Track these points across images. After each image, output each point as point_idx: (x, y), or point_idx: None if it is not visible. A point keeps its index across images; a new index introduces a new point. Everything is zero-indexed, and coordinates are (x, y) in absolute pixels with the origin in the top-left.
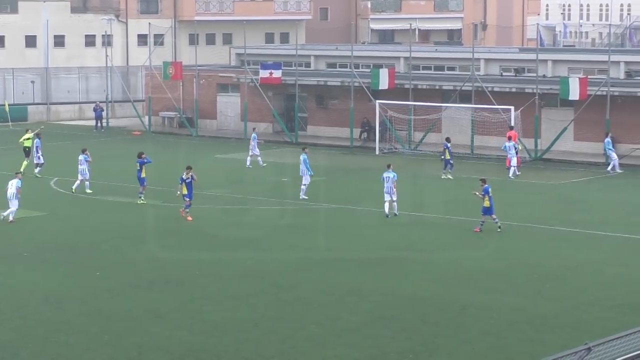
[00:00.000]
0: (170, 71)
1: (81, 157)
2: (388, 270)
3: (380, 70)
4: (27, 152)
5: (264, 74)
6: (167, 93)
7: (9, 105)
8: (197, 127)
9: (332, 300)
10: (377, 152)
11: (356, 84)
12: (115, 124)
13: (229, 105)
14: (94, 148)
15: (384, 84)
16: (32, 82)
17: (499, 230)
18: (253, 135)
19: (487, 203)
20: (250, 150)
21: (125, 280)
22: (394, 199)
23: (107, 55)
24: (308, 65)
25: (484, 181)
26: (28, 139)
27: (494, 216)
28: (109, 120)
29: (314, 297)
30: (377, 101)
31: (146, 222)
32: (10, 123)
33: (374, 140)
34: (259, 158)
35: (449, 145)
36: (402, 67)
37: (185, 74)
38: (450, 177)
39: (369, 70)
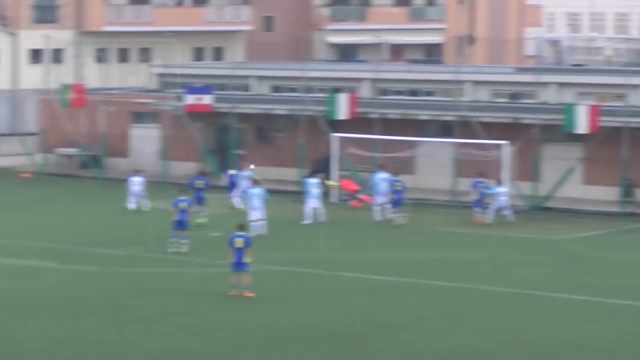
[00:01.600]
0: (71, 96)
1: None
2: (344, 349)
3: (339, 95)
4: None
5: (190, 99)
6: (66, 124)
7: None
8: (104, 167)
9: None
10: (334, 200)
11: (308, 113)
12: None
13: (145, 140)
14: None
15: (343, 112)
16: None
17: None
18: (139, 179)
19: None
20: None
21: None
22: (262, 216)
23: None
24: (247, 88)
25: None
26: None
27: None
28: None
29: None
30: (335, 134)
31: (37, 289)
32: None
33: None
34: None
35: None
36: (366, 91)
37: (90, 100)
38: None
39: (324, 95)
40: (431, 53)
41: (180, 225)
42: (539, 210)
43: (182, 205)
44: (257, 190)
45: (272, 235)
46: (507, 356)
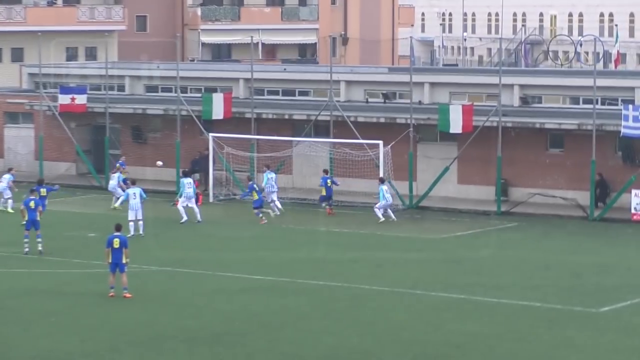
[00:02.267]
0: None
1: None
2: (226, 349)
3: (214, 95)
4: None
5: (64, 99)
6: None
7: None
8: None
9: None
10: (211, 200)
11: (184, 113)
12: None
13: (19, 140)
14: None
15: (218, 112)
16: None
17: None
18: (8, 176)
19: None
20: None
21: None
22: (140, 217)
23: None
24: (122, 88)
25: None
26: None
27: None
28: None
29: None
30: (211, 134)
31: None
32: None
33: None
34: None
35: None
36: (241, 91)
37: None
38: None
39: (199, 95)
40: (305, 53)
41: (33, 225)
42: (415, 209)
43: (32, 204)
44: (135, 190)
45: (150, 235)
46: (386, 355)
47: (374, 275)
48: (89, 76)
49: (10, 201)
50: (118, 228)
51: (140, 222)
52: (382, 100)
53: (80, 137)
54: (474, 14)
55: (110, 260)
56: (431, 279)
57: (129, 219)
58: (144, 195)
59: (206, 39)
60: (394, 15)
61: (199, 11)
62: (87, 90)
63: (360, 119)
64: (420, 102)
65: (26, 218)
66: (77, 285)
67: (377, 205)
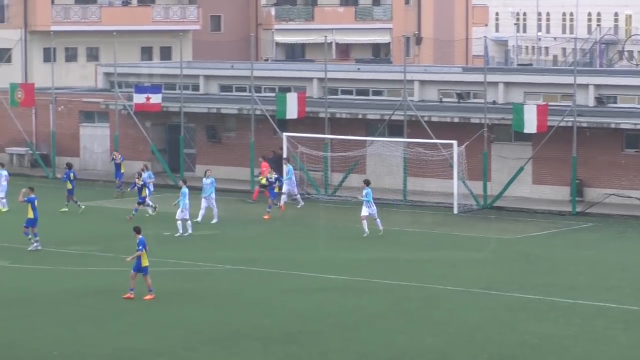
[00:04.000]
0: (19, 96)
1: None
2: (300, 348)
3: (288, 95)
4: None
5: (139, 98)
6: (15, 123)
7: None
8: (55, 166)
9: None
10: (284, 199)
11: (257, 112)
12: None
13: (95, 139)
14: None
15: (292, 112)
16: None
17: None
18: (148, 173)
19: None
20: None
21: None
22: (187, 216)
23: None
24: (196, 88)
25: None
26: None
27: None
28: None
29: None
30: (285, 134)
31: None
32: None
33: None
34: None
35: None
36: (315, 90)
37: (38, 99)
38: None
39: (273, 94)
40: (379, 53)
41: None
42: (489, 209)
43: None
44: (186, 190)
45: (224, 234)
46: (460, 355)
47: (448, 275)
48: (163, 75)
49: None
50: (138, 230)
51: (189, 222)
52: (456, 100)
53: (155, 136)
54: (548, 14)
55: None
56: (506, 279)
57: (178, 217)
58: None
59: (280, 38)
60: (468, 14)
61: (272, 11)
62: (162, 90)
63: (434, 119)
64: (494, 102)
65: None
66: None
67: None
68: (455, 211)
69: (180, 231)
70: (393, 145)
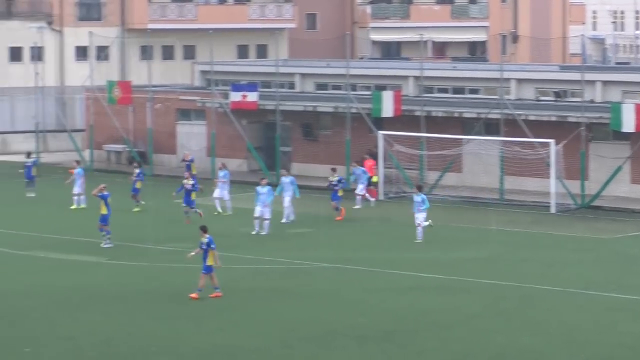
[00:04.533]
0: (117, 93)
1: None
2: (396, 347)
3: (384, 93)
4: None
5: (235, 97)
6: (113, 121)
7: None
8: (152, 163)
9: None
10: (381, 197)
11: (353, 111)
12: (47, 159)
13: (192, 137)
14: (20, 190)
15: (388, 110)
16: None
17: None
18: (224, 172)
19: None
20: (217, 191)
21: (61, 358)
22: (267, 216)
23: (37, 73)
24: (292, 86)
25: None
26: None
27: None
28: (40, 155)
29: None
30: (380, 132)
31: (87, 285)
32: None
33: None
34: (228, 202)
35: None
36: (411, 89)
37: (135, 97)
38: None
39: (369, 93)
40: (475, 51)
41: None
42: (587, 209)
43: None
44: (264, 189)
45: (320, 232)
46: (558, 355)
47: (545, 274)
48: (259, 74)
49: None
50: (205, 230)
51: (266, 222)
52: (554, 99)
53: (251, 134)
54: None
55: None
56: (604, 279)
57: (255, 215)
58: (272, 195)
59: (376, 36)
60: (565, 13)
61: (368, 9)
62: (258, 88)
63: (531, 117)
64: (592, 101)
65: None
66: (248, 281)
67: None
68: (553, 210)
69: (257, 229)
70: (489, 144)
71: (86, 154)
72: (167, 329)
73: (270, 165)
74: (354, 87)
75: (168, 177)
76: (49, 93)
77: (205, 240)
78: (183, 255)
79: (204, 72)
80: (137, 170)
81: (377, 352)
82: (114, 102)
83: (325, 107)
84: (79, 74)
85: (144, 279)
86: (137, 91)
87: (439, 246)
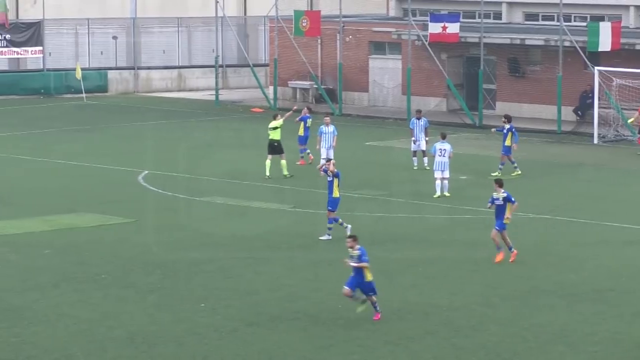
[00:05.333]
0: (304, 24)
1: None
2: (609, 307)
3: (601, 24)
4: (276, 147)
5: (434, 28)
6: (299, 55)
7: (82, 70)
8: (341, 102)
9: (532, 348)
10: (595, 141)
11: (566, 44)
12: (227, 97)
13: (385, 72)
14: (197, 131)
15: (605, 44)
16: (114, 37)
17: None
18: (424, 119)
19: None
20: (415, 142)
21: (238, 314)
22: (446, 175)
23: (217, 1)
24: (498, 16)
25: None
26: (276, 128)
27: None
28: (219, 92)
29: (502, 344)
30: (597, 68)
31: (271, 234)
32: (84, 94)
33: (591, 123)
34: (425, 158)
35: None
36: (632, 19)
37: (324, 29)
38: None
39: (584, 24)
40: None
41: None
42: None
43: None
44: (445, 146)
45: (528, 179)
46: None
47: None
48: (461, 2)
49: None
50: (500, 183)
51: (446, 181)
52: None
53: (451, 70)
54: None
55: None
56: None
57: (435, 177)
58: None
59: None
60: None
61: None
62: (460, 18)
63: None
64: None
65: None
66: (446, 232)
67: None
68: None
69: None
70: None
71: (269, 90)
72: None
73: (471, 104)
74: (567, 18)
75: (359, 117)
76: (230, 25)
77: (502, 195)
78: (374, 203)
79: (399, 1)
80: (507, 126)
81: (588, 312)
82: (301, 34)
83: (534, 40)
84: (263, 3)
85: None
86: (326, 22)
87: None
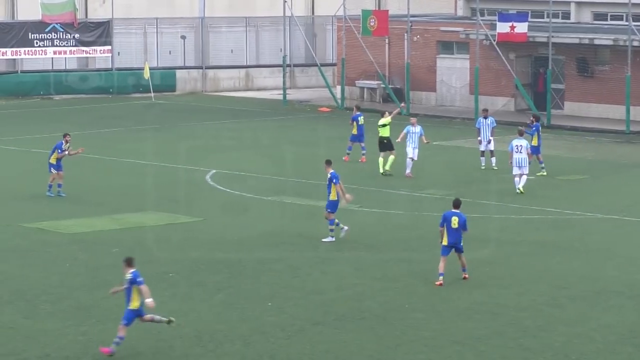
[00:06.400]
0: (372, 24)
1: None
2: None
3: None
4: (385, 144)
5: (502, 27)
6: (367, 54)
7: (150, 69)
8: (409, 101)
9: (600, 349)
10: None
11: (635, 44)
12: (295, 96)
13: (453, 72)
14: (264, 130)
15: None
16: (183, 37)
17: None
18: (491, 118)
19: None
20: (483, 143)
21: (305, 313)
22: (525, 172)
23: (285, 1)
24: (567, 16)
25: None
26: (385, 125)
27: None
28: (287, 91)
29: (569, 344)
30: None
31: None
32: (152, 94)
33: None
34: (493, 159)
35: None
36: None
37: (392, 28)
38: None
39: None
40: None
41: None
42: None
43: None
44: (522, 142)
45: (596, 180)
46: None
47: None
48: (530, 2)
49: (492, 159)
50: (457, 204)
51: (524, 177)
52: None
53: (519, 70)
54: None
55: (445, 242)
56: None
57: (514, 173)
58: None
59: None
60: None
61: None
62: (529, 18)
63: None
64: None
65: None
66: (513, 232)
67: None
68: None
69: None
70: None
71: (337, 90)
72: (419, 284)
73: (539, 104)
74: (636, 18)
75: (427, 117)
76: (298, 23)
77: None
78: (441, 204)
79: (468, 1)
80: (533, 125)
81: None
82: (368, 33)
83: (603, 39)
84: (331, 3)
85: (395, 227)
86: (394, 21)
87: None
